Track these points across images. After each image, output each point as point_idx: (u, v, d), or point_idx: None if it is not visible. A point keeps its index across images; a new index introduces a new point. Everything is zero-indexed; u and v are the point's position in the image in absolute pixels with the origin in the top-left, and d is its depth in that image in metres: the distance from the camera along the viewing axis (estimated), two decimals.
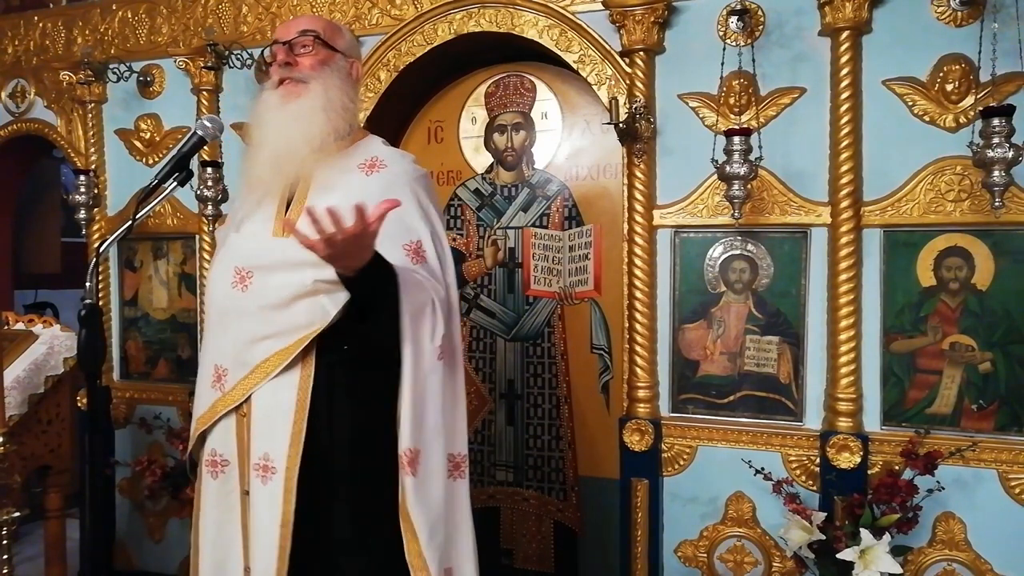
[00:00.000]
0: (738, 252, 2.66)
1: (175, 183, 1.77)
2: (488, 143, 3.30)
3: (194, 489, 1.95)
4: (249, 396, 1.72)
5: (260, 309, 1.70)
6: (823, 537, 2.36)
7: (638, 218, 2.70)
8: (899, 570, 2.28)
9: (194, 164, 2.52)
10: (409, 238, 1.74)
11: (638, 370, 2.72)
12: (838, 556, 2.30)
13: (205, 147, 2.34)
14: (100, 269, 3.42)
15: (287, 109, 1.75)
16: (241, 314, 1.73)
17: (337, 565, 1.73)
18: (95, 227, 3.46)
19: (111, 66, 3.38)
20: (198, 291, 3.36)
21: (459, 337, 1.83)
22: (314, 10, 3.18)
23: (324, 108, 1.75)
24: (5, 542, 2.42)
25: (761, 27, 2.58)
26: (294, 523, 1.67)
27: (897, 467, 2.41)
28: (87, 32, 3.56)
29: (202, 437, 1.83)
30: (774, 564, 2.64)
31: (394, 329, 1.60)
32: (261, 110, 1.80)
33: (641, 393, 2.72)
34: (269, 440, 1.70)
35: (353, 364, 1.72)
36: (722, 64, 2.51)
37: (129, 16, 3.49)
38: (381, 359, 1.68)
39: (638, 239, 2.71)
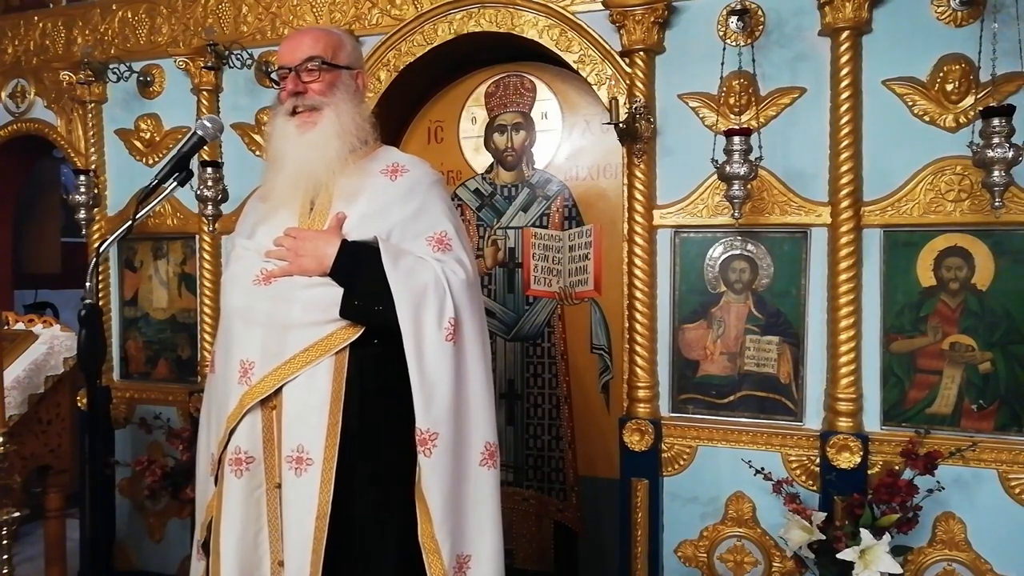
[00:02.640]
0: (738, 252, 2.66)
1: (175, 183, 1.78)
2: (488, 143, 3.30)
3: (195, 489, 1.96)
4: (279, 388, 1.74)
5: (289, 289, 1.76)
6: (823, 537, 2.36)
7: (638, 218, 2.70)
8: (899, 570, 2.28)
9: (194, 164, 2.52)
10: (433, 230, 1.83)
11: (638, 370, 2.72)
12: (838, 556, 2.30)
13: (205, 147, 2.33)
14: (100, 269, 3.42)
15: (304, 139, 1.82)
16: (273, 301, 1.77)
17: (365, 554, 1.76)
18: (95, 227, 3.45)
19: (111, 66, 3.38)
20: (198, 291, 3.36)
21: (481, 327, 1.85)
22: (314, 11, 3.17)
23: (338, 134, 1.83)
24: (5, 542, 2.42)
25: (761, 27, 2.58)
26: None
27: (897, 467, 2.41)
28: (87, 32, 3.56)
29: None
30: (774, 564, 2.64)
31: (391, 305, 1.70)
32: (279, 139, 1.87)
33: (641, 393, 2.72)
34: (303, 432, 1.73)
35: (382, 356, 1.76)
36: (722, 64, 2.51)
37: (129, 16, 3.49)
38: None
39: (638, 239, 2.71)
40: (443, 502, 1.73)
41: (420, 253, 1.79)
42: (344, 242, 1.75)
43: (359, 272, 1.73)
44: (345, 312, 1.72)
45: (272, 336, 1.75)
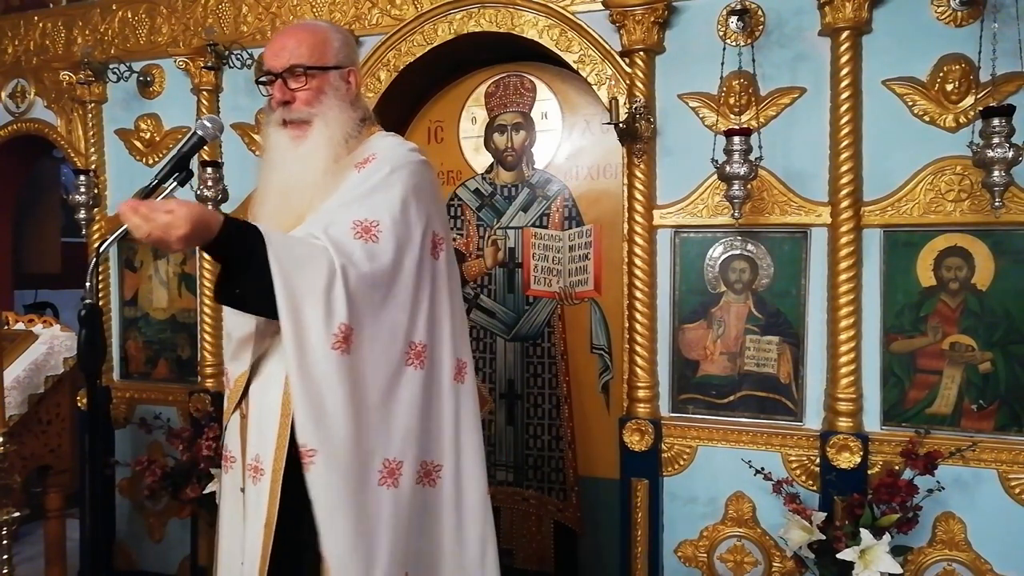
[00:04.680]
0: (738, 252, 2.66)
1: (175, 183, 1.77)
2: (488, 143, 3.30)
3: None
4: (247, 395, 1.77)
5: None
6: (823, 537, 2.36)
7: (638, 218, 2.70)
8: (899, 570, 2.28)
9: (194, 164, 2.51)
10: (365, 215, 1.67)
11: (638, 370, 2.72)
12: (838, 556, 2.30)
13: (205, 147, 2.33)
14: (100, 269, 3.42)
15: (297, 152, 1.78)
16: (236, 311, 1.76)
17: (309, 566, 1.71)
18: (95, 227, 3.45)
19: (111, 66, 3.38)
20: (198, 291, 3.36)
21: (391, 333, 1.69)
22: (314, 11, 3.17)
23: (327, 143, 1.77)
24: (5, 542, 2.42)
25: (761, 27, 2.58)
26: (278, 524, 1.67)
27: (897, 467, 2.40)
28: (87, 32, 3.56)
29: None
30: (774, 564, 2.64)
31: (271, 297, 1.53)
32: (272, 151, 1.83)
33: (641, 393, 2.72)
34: (259, 441, 1.73)
35: None
36: (722, 64, 2.51)
37: (129, 16, 3.49)
38: None
39: (638, 239, 2.71)
40: (328, 519, 1.61)
41: (339, 234, 1.62)
42: (228, 217, 1.56)
43: (243, 254, 1.54)
44: (222, 298, 1.60)
45: (240, 345, 1.78)
